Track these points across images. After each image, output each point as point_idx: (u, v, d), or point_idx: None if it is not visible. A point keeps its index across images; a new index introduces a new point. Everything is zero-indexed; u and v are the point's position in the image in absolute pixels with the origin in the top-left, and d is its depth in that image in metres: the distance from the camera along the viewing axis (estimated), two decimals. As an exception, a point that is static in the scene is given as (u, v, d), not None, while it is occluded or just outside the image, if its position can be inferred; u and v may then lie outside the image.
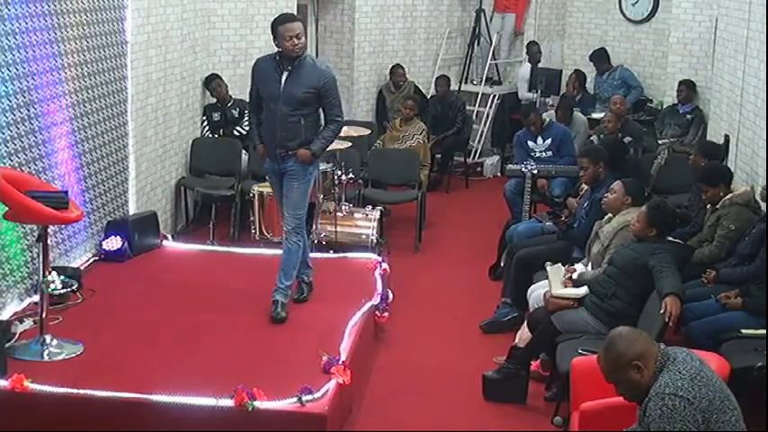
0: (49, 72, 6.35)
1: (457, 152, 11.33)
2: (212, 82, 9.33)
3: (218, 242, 8.11)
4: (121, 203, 7.58)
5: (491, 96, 11.87)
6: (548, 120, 8.95)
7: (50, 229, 5.77)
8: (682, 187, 7.66)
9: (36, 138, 6.21)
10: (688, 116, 10.26)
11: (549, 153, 8.70)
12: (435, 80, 11.26)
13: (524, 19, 12.33)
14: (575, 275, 5.94)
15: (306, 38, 5.87)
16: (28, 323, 5.72)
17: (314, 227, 7.88)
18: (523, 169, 8.15)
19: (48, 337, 5.46)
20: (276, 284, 6.09)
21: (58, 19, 6.46)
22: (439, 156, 10.97)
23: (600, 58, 11.60)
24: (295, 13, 10.38)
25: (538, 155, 8.69)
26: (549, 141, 8.74)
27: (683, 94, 10.37)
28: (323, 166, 7.93)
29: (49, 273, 5.64)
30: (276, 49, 5.98)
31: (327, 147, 6.20)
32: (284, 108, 5.92)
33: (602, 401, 4.29)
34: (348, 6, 11.15)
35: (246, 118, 9.53)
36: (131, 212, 7.66)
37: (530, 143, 8.79)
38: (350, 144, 8.29)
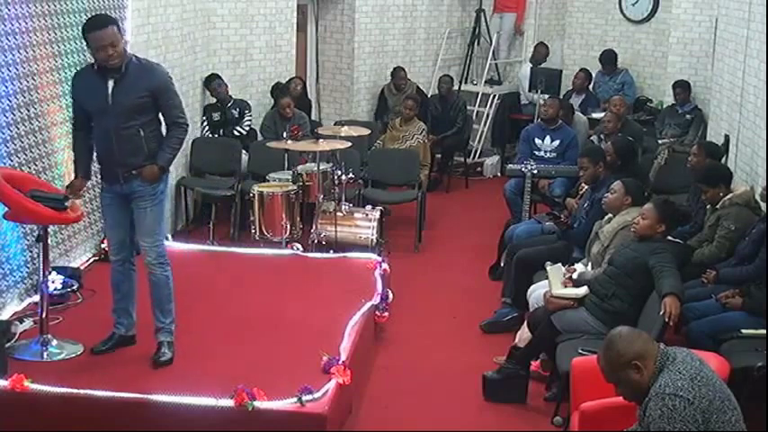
0: (49, 72, 6.35)
1: (457, 152, 11.34)
2: (212, 82, 9.34)
3: (218, 242, 8.11)
4: (121, 203, 7.57)
5: (491, 96, 11.88)
6: (559, 121, 8.93)
7: (51, 229, 5.78)
8: (682, 187, 7.66)
9: (36, 138, 6.21)
10: (687, 116, 10.27)
11: (554, 154, 8.69)
12: (439, 79, 11.27)
13: (524, 18, 12.33)
14: (575, 275, 5.94)
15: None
16: (28, 323, 5.72)
17: (314, 227, 7.89)
18: (523, 169, 8.15)
19: (48, 337, 5.46)
20: (155, 324, 5.40)
21: (58, 19, 6.46)
22: (439, 156, 10.98)
23: (609, 59, 11.64)
24: (295, 13, 10.44)
25: (542, 154, 8.68)
26: (557, 143, 8.72)
27: (681, 96, 10.38)
28: (323, 166, 7.94)
29: (49, 273, 5.65)
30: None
31: (175, 157, 5.39)
32: (116, 121, 5.14)
33: (602, 401, 4.29)
34: (348, 6, 11.15)
35: (247, 118, 9.54)
36: (131, 212, 7.65)
37: (537, 140, 8.77)
38: (350, 144, 8.29)
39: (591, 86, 11.65)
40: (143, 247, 5.36)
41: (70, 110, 6.61)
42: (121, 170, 5.24)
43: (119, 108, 5.14)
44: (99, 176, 5.47)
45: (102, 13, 5.58)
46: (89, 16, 6.82)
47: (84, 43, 5.21)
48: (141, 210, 5.30)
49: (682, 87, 10.43)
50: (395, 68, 11.19)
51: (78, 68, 6.73)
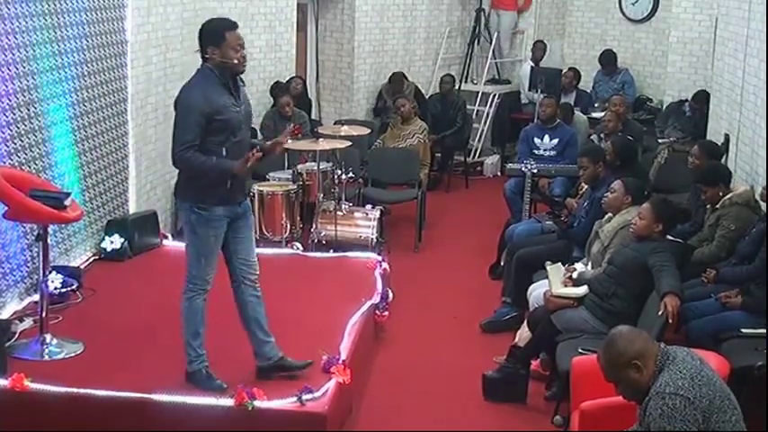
0: (49, 71, 6.35)
1: (457, 151, 11.34)
2: (212, 81, 9.31)
3: (218, 242, 8.09)
4: (121, 203, 7.58)
5: (491, 96, 11.88)
6: (558, 120, 8.93)
7: (50, 228, 5.77)
8: (682, 187, 7.66)
9: (36, 137, 6.20)
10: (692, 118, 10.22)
11: (554, 153, 8.70)
12: (441, 78, 11.26)
13: (522, 17, 12.32)
14: (574, 275, 5.94)
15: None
16: (28, 322, 5.72)
17: (314, 226, 7.89)
18: (523, 168, 8.15)
19: (48, 337, 5.46)
20: (263, 339, 5.14)
21: (58, 18, 6.46)
22: (439, 155, 10.97)
23: (608, 59, 11.64)
24: (295, 12, 10.45)
25: (541, 153, 8.69)
26: (555, 141, 8.73)
27: (697, 108, 10.28)
28: (323, 165, 7.94)
29: (49, 272, 5.64)
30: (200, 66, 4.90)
31: None
32: (248, 133, 5.00)
33: (602, 401, 4.29)
34: (348, 6, 11.14)
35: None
36: (131, 212, 7.66)
37: (536, 140, 8.78)
38: (350, 143, 8.29)
39: (591, 86, 11.67)
40: (250, 265, 5.05)
41: (70, 109, 6.65)
42: (246, 185, 5.07)
43: (248, 119, 5.00)
44: (210, 200, 4.84)
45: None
46: (90, 16, 6.86)
47: (200, 45, 4.84)
48: (250, 226, 5.13)
49: (701, 102, 10.24)
50: (393, 74, 11.18)
51: (80, 68, 6.75)
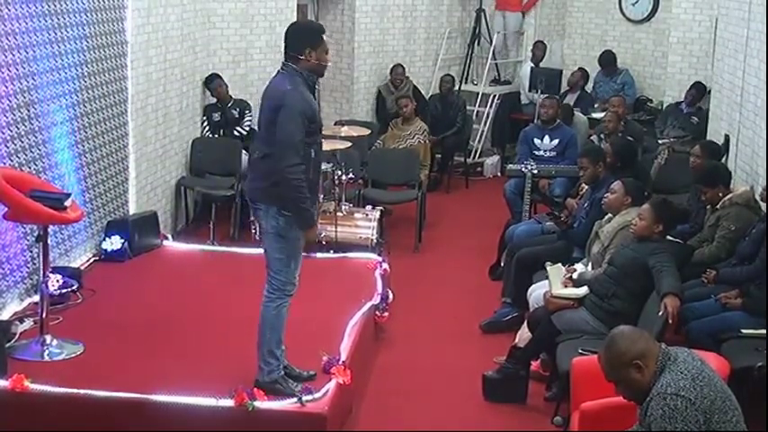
0: (49, 72, 6.35)
1: (457, 152, 11.34)
2: (212, 82, 9.33)
3: (218, 242, 8.11)
4: (121, 203, 7.58)
5: (491, 96, 11.88)
6: (557, 121, 8.93)
7: (51, 228, 5.77)
8: (682, 187, 7.66)
9: (36, 138, 6.21)
10: (693, 117, 10.21)
11: (554, 153, 8.70)
12: (441, 78, 11.26)
13: (525, 18, 12.33)
14: (574, 275, 5.94)
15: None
16: (28, 323, 5.72)
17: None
18: (523, 169, 8.15)
19: (48, 337, 5.47)
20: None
21: (58, 19, 6.46)
22: (439, 156, 10.97)
23: (608, 60, 11.65)
24: (295, 13, 10.46)
25: (541, 153, 8.69)
26: (555, 142, 8.73)
27: (693, 97, 10.31)
28: (324, 166, 7.94)
29: (50, 273, 5.64)
30: (280, 65, 4.85)
31: None
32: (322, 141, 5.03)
33: (602, 401, 4.29)
34: (348, 6, 11.15)
35: (247, 118, 9.52)
36: (131, 212, 7.66)
37: (536, 140, 8.78)
38: (350, 144, 8.29)
39: (591, 86, 11.68)
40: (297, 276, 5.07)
41: (70, 110, 6.65)
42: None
43: (322, 127, 4.99)
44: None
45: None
46: (90, 16, 6.86)
47: (295, 46, 4.75)
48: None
49: (698, 89, 10.33)
50: (394, 65, 11.21)
51: (81, 69, 6.76)
